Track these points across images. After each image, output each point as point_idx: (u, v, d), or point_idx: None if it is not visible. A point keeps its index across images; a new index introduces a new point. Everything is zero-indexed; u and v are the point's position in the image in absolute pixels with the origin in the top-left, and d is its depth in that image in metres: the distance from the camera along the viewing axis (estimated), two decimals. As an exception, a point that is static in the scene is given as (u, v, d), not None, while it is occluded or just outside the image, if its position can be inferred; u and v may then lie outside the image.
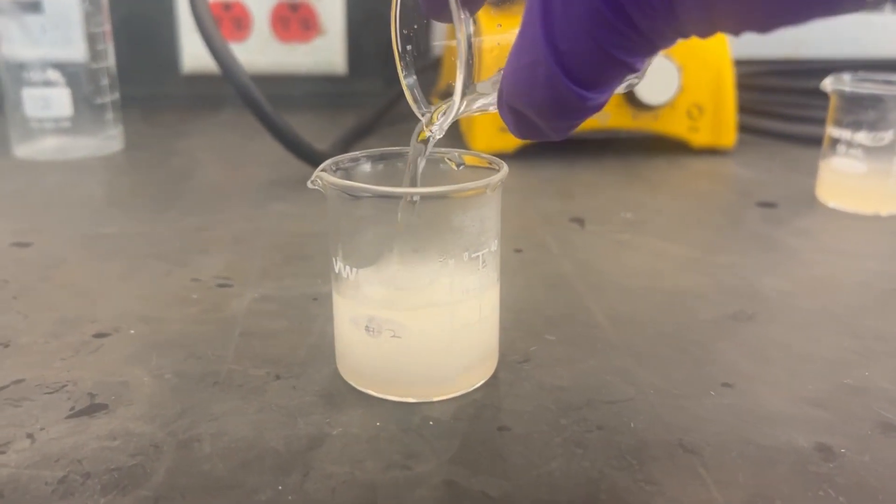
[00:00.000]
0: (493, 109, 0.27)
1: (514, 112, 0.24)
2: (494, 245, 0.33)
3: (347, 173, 0.34)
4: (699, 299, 0.43)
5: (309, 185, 0.32)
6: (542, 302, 0.42)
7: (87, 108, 0.70)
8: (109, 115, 0.72)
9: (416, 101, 0.31)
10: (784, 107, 0.81)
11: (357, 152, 0.34)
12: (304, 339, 0.38)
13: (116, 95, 0.73)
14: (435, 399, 0.33)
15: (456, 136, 0.78)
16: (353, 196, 0.31)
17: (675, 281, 0.45)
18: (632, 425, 0.31)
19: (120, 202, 0.60)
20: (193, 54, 0.92)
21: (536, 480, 0.28)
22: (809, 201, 0.60)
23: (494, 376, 0.34)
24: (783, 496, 0.27)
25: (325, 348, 0.36)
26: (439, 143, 0.35)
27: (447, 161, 0.35)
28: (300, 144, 0.61)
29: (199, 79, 0.93)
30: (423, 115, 0.31)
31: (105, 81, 0.71)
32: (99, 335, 0.38)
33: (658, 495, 0.27)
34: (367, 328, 0.32)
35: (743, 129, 0.74)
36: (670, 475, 0.28)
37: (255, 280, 0.44)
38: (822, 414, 0.32)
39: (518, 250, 0.49)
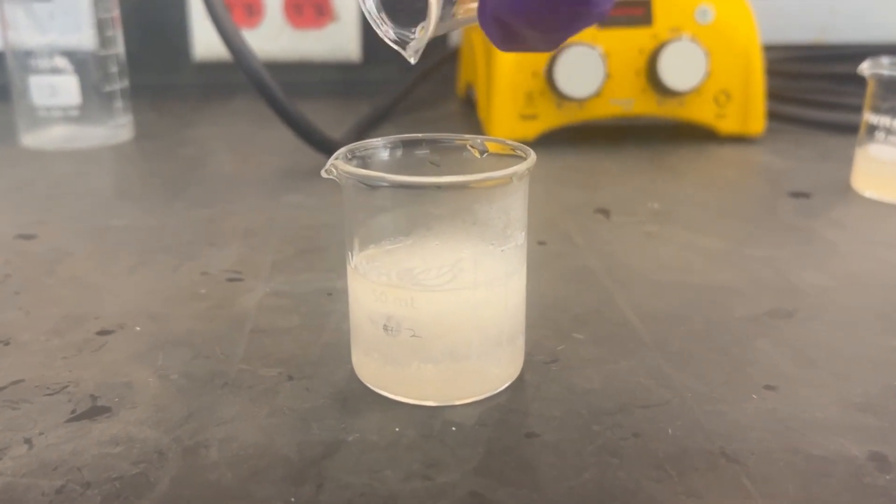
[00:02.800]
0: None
1: (499, 23, 0.22)
2: (521, 238, 0.31)
3: (363, 162, 0.31)
4: (734, 295, 0.40)
5: (323, 174, 0.30)
6: (569, 298, 0.40)
7: (95, 96, 0.69)
8: (119, 104, 0.70)
9: (374, 17, 0.28)
10: (814, 93, 0.78)
11: (374, 139, 0.32)
12: (318, 337, 0.36)
13: (126, 83, 0.71)
14: (457, 402, 0.31)
15: (473, 122, 0.76)
16: (370, 186, 0.29)
17: (708, 275, 0.43)
18: (669, 432, 0.29)
19: (128, 193, 0.59)
20: (205, 42, 0.91)
21: (568, 492, 0.26)
22: (844, 191, 0.57)
23: (520, 378, 0.32)
24: (837, 511, 0.25)
25: (340, 347, 0.34)
26: (459, 131, 0.33)
27: (469, 149, 0.33)
28: (313, 133, 0.59)
29: (211, 67, 0.92)
30: (384, 32, 0.28)
31: (114, 69, 0.69)
32: (103, 332, 0.36)
33: (701, 510, 0.25)
34: (385, 327, 0.30)
35: (771, 116, 0.71)
36: (713, 487, 0.26)
37: (266, 274, 0.42)
38: (874, 420, 0.30)
39: (542, 243, 0.47)
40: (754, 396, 0.31)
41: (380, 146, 0.32)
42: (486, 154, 0.32)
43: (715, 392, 0.32)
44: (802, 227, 0.50)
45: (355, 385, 0.32)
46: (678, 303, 0.39)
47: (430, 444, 0.28)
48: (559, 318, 0.38)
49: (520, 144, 0.31)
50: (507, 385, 0.32)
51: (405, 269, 0.29)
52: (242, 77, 0.58)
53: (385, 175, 0.28)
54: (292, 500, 0.25)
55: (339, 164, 0.29)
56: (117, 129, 0.71)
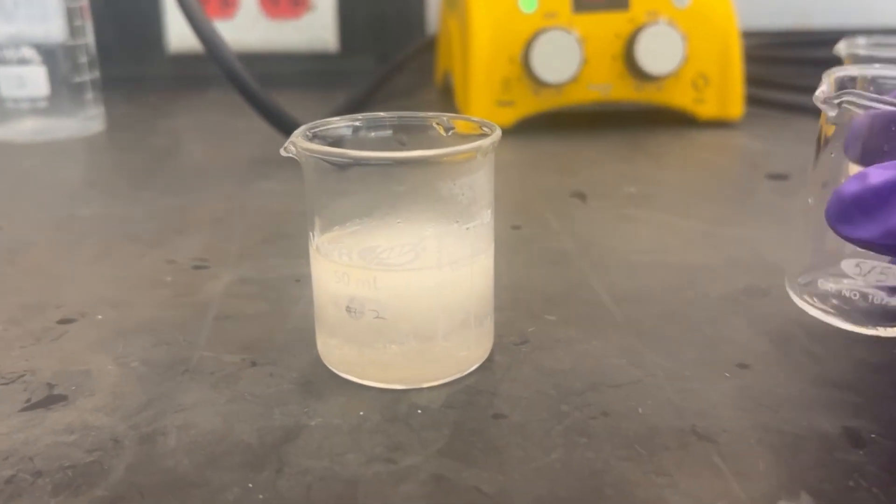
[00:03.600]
0: None
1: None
2: (487, 216, 0.30)
3: (325, 141, 0.31)
4: (709, 274, 0.40)
5: (282, 152, 0.29)
6: (542, 280, 0.39)
7: (64, 87, 0.67)
8: (89, 95, 0.69)
9: None
10: (792, 78, 0.78)
11: (334, 118, 0.31)
12: (284, 323, 0.35)
13: (96, 74, 0.70)
14: (424, 385, 0.30)
15: (450, 110, 0.75)
16: (331, 163, 0.28)
17: (683, 256, 0.42)
18: (640, 411, 0.28)
19: (96, 183, 0.58)
20: (180, 34, 0.89)
21: (535, 474, 0.25)
22: (822, 172, 0.57)
23: (489, 360, 0.32)
24: (809, 487, 0.24)
25: (306, 332, 0.33)
26: (428, 110, 0.33)
27: (435, 126, 0.32)
28: (287, 121, 0.58)
29: (185, 59, 0.90)
30: None
31: (84, 59, 0.68)
32: (64, 321, 0.35)
33: (670, 488, 0.24)
34: (348, 309, 0.29)
35: (750, 101, 0.71)
36: (683, 465, 0.25)
37: (233, 261, 0.42)
38: (848, 396, 0.29)
39: (516, 227, 0.46)
40: (727, 374, 0.31)
41: (342, 125, 0.31)
42: (451, 132, 0.32)
43: (687, 370, 0.31)
44: (780, 208, 0.50)
45: (321, 370, 0.31)
46: (653, 283, 0.39)
47: (395, 428, 0.27)
48: (531, 300, 0.37)
49: (486, 121, 0.30)
50: (475, 367, 0.31)
51: (367, 249, 0.28)
52: (218, 69, 0.57)
53: (346, 151, 0.27)
54: (250, 485, 0.25)
55: (298, 141, 0.29)
56: (88, 120, 0.69)
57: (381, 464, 0.26)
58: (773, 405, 0.29)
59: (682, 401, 0.29)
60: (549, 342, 0.33)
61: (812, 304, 0.35)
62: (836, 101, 0.31)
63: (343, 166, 0.28)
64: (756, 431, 0.27)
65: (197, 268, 0.41)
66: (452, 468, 0.25)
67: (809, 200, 0.35)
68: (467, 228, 0.29)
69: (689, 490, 0.24)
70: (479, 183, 0.29)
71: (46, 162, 0.62)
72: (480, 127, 0.31)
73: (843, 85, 0.34)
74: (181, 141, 0.70)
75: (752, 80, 0.71)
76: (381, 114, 0.32)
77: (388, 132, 0.32)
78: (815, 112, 0.34)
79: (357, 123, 0.32)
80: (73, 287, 0.39)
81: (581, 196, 0.52)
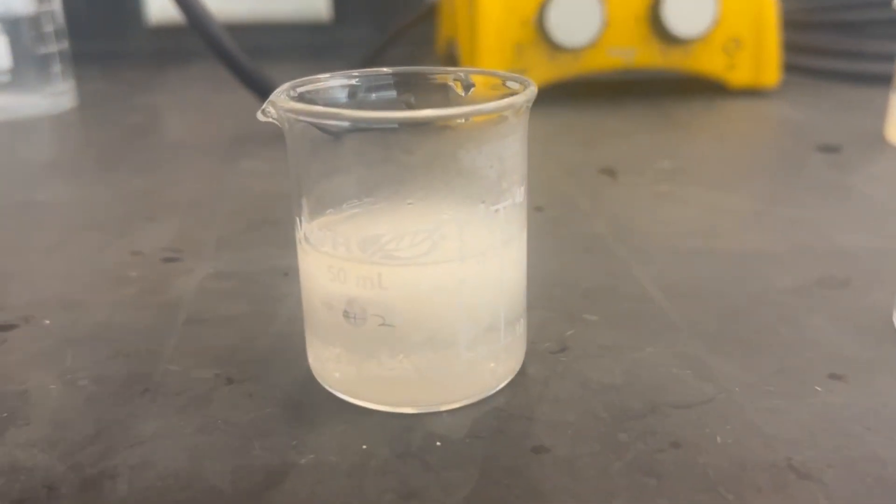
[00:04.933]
0: None
1: None
2: (520, 195, 0.24)
3: (312, 102, 0.24)
4: (772, 262, 0.34)
5: (259, 116, 0.23)
6: (576, 272, 0.33)
7: (28, 59, 0.61)
8: (56, 68, 0.62)
9: None
10: (830, 42, 0.71)
11: (324, 74, 0.25)
12: (269, 327, 0.29)
13: (65, 45, 0.63)
14: (443, 408, 0.24)
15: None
16: (320, 128, 0.22)
17: (737, 240, 0.36)
18: (718, 440, 0.22)
19: (59, 165, 0.51)
20: (160, 5, 0.83)
21: (593, 530, 0.19)
22: (878, 143, 0.51)
23: (522, 373, 0.26)
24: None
25: (295, 339, 0.27)
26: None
27: (451, 84, 0.26)
28: (271, 89, 0.52)
29: (167, 31, 0.84)
30: None
31: (49, 28, 0.61)
32: (3, 327, 0.29)
33: (775, 551, 0.18)
34: (346, 314, 0.23)
35: (785, 69, 0.65)
36: (785, 516, 0.20)
37: (210, 252, 0.35)
38: (976, 414, 0.23)
39: (538, 208, 0.40)
40: (818, 388, 0.25)
41: (334, 83, 0.25)
42: (472, 90, 0.25)
43: (768, 384, 0.25)
44: (839, 184, 0.44)
45: (313, 389, 0.25)
46: (707, 274, 0.33)
47: (408, 467, 0.21)
48: (566, 297, 0.31)
49: (516, 75, 0.24)
50: (505, 383, 0.25)
51: (369, 238, 0.22)
52: (200, 41, 0.50)
53: (339, 110, 0.21)
54: (219, 553, 0.19)
55: (279, 101, 0.22)
56: (56, 96, 0.63)
57: (392, 519, 0.20)
58: (884, 429, 0.23)
59: (768, 425, 0.23)
60: (592, 349, 0.27)
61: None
62: None
63: (336, 132, 0.22)
64: (869, 466, 0.21)
65: (167, 260, 0.35)
66: (485, 525, 0.19)
67: None
68: (496, 210, 0.23)
69: (800, 554, 0.18)
70: (511, 152, 0.23)
71: (6, 141, 0.55)
72: (507, 83, 0.24)
73: None
74: (159, 118, 0.64)
75: (787, 47, 0.65)
76: (384, 69, 0.26)
77: (393, 92, 0.26)
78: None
79: (353, 81, 0.25)
80: (18, 285, 0.33)
81: (610, 172, 0.46)
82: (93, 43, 0.73)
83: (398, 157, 0.22)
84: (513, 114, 0.22)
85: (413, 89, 0.26)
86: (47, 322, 0.30)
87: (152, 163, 0.50)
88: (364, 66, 0.68)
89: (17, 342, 0.28)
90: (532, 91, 0.23)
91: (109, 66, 0.80)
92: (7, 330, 0.29)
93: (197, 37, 0.50)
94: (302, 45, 0.85)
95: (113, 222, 0.39)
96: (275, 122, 0.23)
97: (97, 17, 0.81)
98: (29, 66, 0.61)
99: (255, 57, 0.52)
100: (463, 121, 0.21)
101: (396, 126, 0.21)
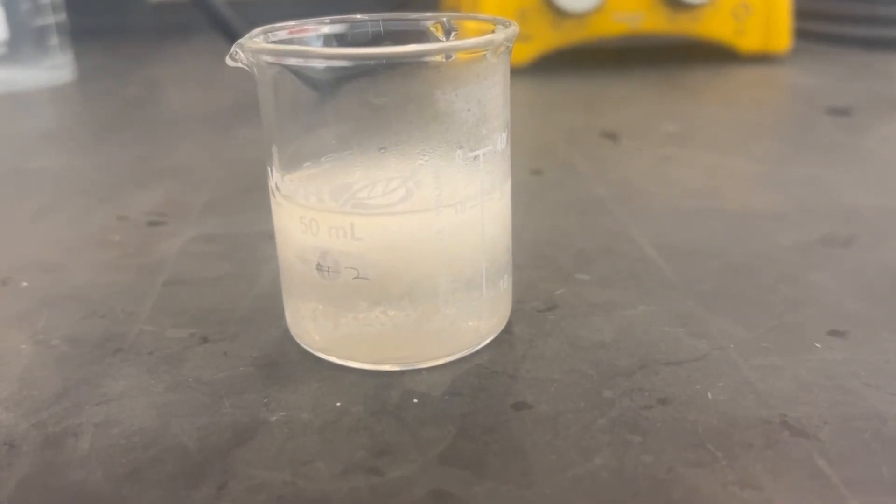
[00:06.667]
0: None
1: None
2: (502, 141, 0.23)
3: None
4: (776, 221, 0.32)
5: (228, 61, 0.22)
6: (571, 233, 0.32)
7: (26, 31, 0.60)
8: (54, 41, 0.62)
9: None
10: (842, 7, 0.69)
11: (296, 21, 0.24)
12: (250, 288, 0.28)
13: (62, 17, 0.63)
14: (422, 366, 0.23)
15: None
16: (291, 70, 0.21)
17: (741, 200, 0.35)
18: (709, 396, 0.21)
19: (54, 135, 0.51)
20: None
21: (573, 486, 0.18)
22: (889, 106, 0.49)
23: (507, 331, 0.25)
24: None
25: (275, 299, 0.26)
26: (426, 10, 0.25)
27: (432, 30, 0.24)
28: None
29: (168, 7, 0.83)
30: None
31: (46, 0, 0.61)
32: (-20, 290, 0.29)
33: (764, 507, 0.17)
34: (319, 267, 0.22)
35: (796, 35, 0.63)
36: (777, 473, 0.18)
37: (197, 216, 0.35)
38: (984, 371, 0.22)
39: (536, 172, 0.39)
40: (817, 345, 0.24)
41: (310, 31, 0.24)
42: (454, 35, 0.24)
43: (765, 341, 0.24)
44: (848, 145, 0.42)
45: (290, 348, 0.24)
46: (708, 233, 0.32)
47: (382, 424, 0.21)
48: (558, 256, 0.30)
49: (501, 18, 0.23)
50: (488, 341, 0.24)
51: (341, 186, 0.21)
52: (201, 17, 0.49)
53: (308, 48, 0.20)
54: (179, 509, 0.18)
55: (247, 44, 0.21)
56: (54, 69, 0.62)
57: (362, 475, 0.19)
58: (883, 385, 0.21)
59: (763, 382, 0.22)
60: (583, 308, 0.26)
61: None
62: None
63: (306, 73, 0.21)
64: (868, 422, 0.20)
65: (153, 224, 0.34)
66: (459, 481, 0.18)
67: None
68: (475, 157, 0.22)
69: (790, 510, 0.17)
70: (491, 95, 0.22)
71: (2, 113, 0.55)
72: (492, 25, 0.23)
73: None
74: (158, 89, 0.63)
75: (796, 13, 0.63)
76: (360, 16, 0.25)
77: (369, 37, 0.25)
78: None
79: (327, 29, 0.24)
80: (2, 249, 0.32)
81: (612, 136, 0.44)
82: (93, 18, 0.73)
83: (371, 99, 0.21)
84: (491, 53, 0.21)
85: (392, 36, 0.25)
86: (25, 284, 0.29)
87: (149, 133, 0.49)
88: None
89: (-7, 304, 0.28)
90: (513, 31, 0.22)
91: (110, 41, 0.80)
92: (-16, 292, 0.28)
93: (200, 16, 0.49)
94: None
95: (102, 189, 0.39)
96: (244, 67, 0.22)
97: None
98: (26, 38, 0.60)
99: (272, 4, 0.50)
100: (441, 59, 0.20)
101: (371, 62, 0.20)
